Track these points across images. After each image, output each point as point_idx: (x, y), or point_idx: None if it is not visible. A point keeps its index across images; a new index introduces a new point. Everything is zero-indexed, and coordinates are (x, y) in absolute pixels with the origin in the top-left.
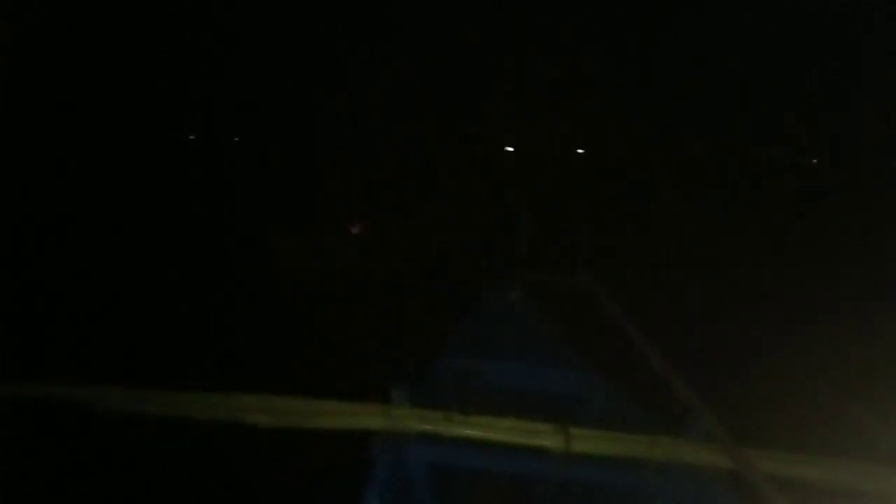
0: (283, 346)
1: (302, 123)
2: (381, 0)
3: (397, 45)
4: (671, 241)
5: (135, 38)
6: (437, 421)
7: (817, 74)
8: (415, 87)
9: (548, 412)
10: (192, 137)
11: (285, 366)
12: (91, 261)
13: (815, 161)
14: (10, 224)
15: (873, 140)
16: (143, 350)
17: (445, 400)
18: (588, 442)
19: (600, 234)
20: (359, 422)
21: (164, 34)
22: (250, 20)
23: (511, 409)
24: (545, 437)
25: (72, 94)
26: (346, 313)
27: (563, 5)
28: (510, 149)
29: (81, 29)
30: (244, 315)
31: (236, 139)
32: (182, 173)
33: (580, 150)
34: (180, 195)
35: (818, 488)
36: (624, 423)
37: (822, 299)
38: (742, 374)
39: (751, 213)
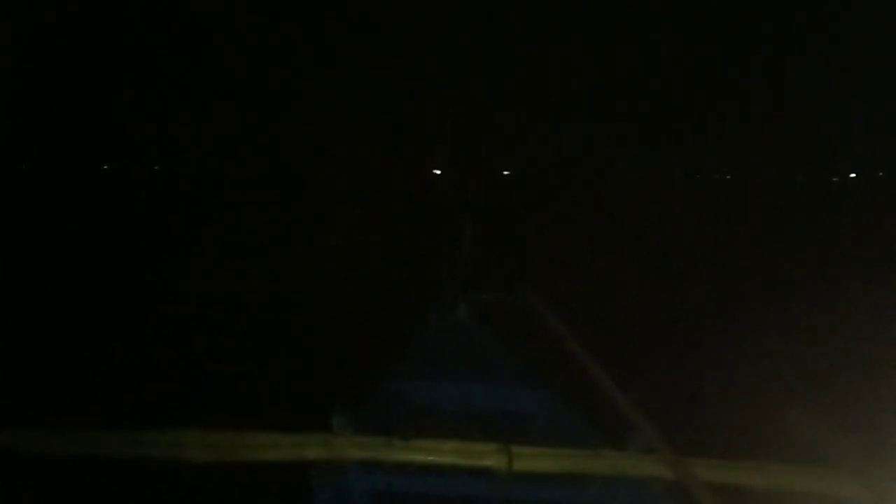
0: (218, 377)
1: (236, 147)
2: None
3: (339, 61)
4: (611, 256)
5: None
6: (378, 447)
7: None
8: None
9: (490, 431)
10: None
11: (221, 399)
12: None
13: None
14: None
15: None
16: (70, 388)
17: (386, 425)
18: (531, 460)
19: (540, 251)
20: (299, 453)
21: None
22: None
23: (453, 430)
24: (488, 457)
25: None
26: (281, 341)
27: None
28: (437, 171)
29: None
30: (175, 348)
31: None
32: (104, 202)
33: (506, 172)
34: (105, 225)
35: (759, 494)
36: (566, 439)
37: (757, 307)
38: (683, 385)
39: (690, 227)
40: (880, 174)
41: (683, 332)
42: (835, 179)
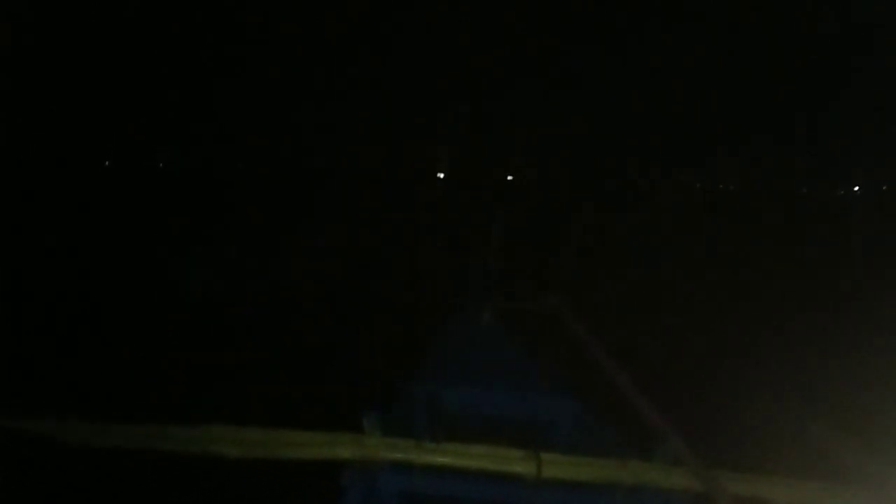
0: (252, 375)
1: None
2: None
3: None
4: (638, 266)
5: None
6: (408, 449)
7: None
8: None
9: (519, 438)
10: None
11: (253, 396)
12: (47, 290)
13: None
14: None
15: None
16: (106, 381)
17: (417, 427)
18: (559, 467)
19: (569, 260)
20: (329, 452)
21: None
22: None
23: (482, 435)
24: (517, 463)
25: None
26: (315, 341)
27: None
28: (441, 175)
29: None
30: (211, 345)
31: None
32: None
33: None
34: (144, 220)
35: None
36: (594, 448)
37: (785, 321)
38: (709, 397)
39: (711, 238)
40: (884, 188)
41: (712, 344)
42: (840, 192)
